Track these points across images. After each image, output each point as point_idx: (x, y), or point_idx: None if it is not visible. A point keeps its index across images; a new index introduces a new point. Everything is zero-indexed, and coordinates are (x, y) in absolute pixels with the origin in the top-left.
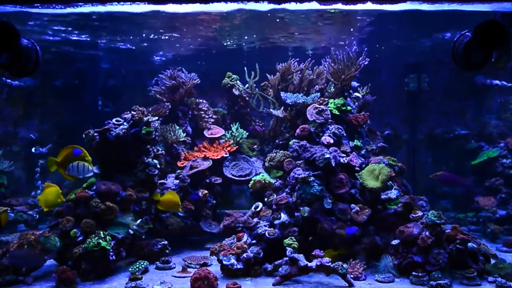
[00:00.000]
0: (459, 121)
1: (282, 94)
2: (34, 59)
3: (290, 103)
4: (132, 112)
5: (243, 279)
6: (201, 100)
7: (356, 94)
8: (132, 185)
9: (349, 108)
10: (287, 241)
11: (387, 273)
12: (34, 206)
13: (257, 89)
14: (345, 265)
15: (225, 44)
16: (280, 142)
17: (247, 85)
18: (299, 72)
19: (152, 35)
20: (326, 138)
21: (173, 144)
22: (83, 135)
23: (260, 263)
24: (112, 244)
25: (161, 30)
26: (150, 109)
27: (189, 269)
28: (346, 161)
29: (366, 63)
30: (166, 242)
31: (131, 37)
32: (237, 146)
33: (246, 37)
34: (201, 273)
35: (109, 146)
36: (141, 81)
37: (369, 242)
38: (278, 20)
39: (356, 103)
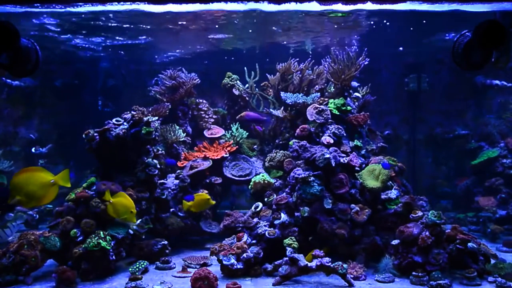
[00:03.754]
0: (459, 121)
1: (282, 94)
2: (34, 59)
3: (290, 103)
4: (132, 112)
5: (243, 279)
6: (201, 100)
7: (356, 94)
8: (132, 185)
9: (349, 108)
10: (287, 241)
11: (387, 273)
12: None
13: (257, 89)
14: (345, 265)
15: (225, 44)
16: (280, 142)
17: (247, 85)
18: (299, 72)
19: (152, 34)
20: (326, 138)
21: (173, 144)
22: (83, 135)
23: (260, 263)
24: (112, 244)
25: (160, 30)
26: (150, 109)
27: (189, 269)
28: (346, 161)
29: (366, 63)
30: (166, 242)
31: (131, 37)
32: (237, 146)
33: (246, 37)
34: (201, 273)
35: (109, 146)
36: (141, 81)
37: (369, 242)
38: (278, 19)
39: (356, 103)
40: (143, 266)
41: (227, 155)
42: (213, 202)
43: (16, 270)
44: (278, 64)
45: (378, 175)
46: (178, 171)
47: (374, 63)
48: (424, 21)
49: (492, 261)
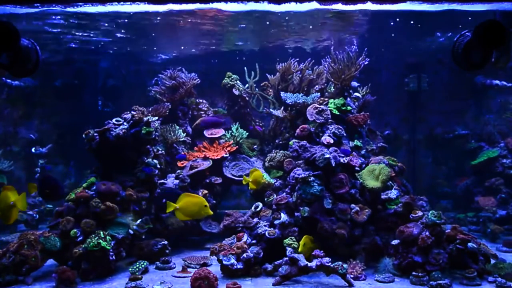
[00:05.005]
0: (459, 121)
1: (282, 94)
2: (34, 59)
3: (290, 103)
4: (132, 112)
5: (243, 279)
6: (201, 100)
7: (356, 94)
8: (132, 185)
9: (349, 108)
10: (287, 241)
11: (387, 273)
12: (34, 206)
13: (257, 89)
14: (345, 265)
15: (225, 44)
16: (280, 142)
17: (247, 85)
18: (299, 72)
19: (153, 34)
20: (326, 138)
21: (173, 144)
22: (83, 135)
23: (260, 263)
24: (112, 244)
25: (160, 29)
26: (150, 109)
27: (189, 269)
28: (346, 161)
29: (366, 63)
30: (166, 242)
31: (131, 36)
32: (237, 146)
33: (246, 37)
34: (201, 273)
35: (109, 146)
36: (141, 81)
37: (369, 242)
38: (278, 19)
39: (356, 103)
40: (143, 266)
41: (227, 155)
42: (266, 180)
43: (16, 270)
44: (278, 64)
45: (378, 175)
46: (178, 171)
47: (374, 63)
48: (425, 20)
49: (492, 261)
